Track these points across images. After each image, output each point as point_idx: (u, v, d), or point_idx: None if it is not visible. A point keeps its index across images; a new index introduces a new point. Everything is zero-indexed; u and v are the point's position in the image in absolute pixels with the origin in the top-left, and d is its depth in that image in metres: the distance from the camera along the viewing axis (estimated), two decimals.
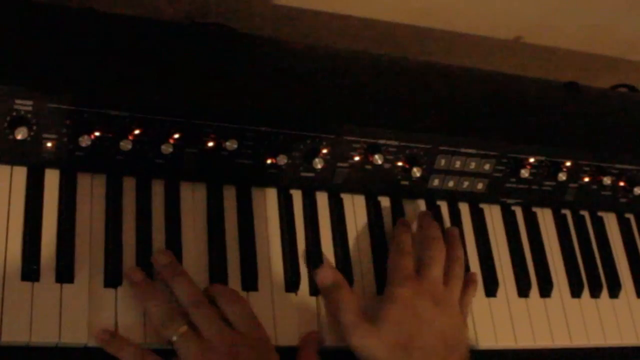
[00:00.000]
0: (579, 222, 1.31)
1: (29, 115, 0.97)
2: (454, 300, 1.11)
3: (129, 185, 1.05)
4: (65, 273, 0.97)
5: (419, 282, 1.09)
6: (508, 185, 1.24)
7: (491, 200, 1.25)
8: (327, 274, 1.08)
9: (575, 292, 1.25)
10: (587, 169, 1.26)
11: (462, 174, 1.20)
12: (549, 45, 1.56)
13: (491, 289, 1.19)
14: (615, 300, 1.27)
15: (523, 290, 1.21)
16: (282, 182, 1.12)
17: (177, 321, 0.97)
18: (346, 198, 1.16)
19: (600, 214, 1.33)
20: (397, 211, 1.18)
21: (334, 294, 1.07)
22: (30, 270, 0.95)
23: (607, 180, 1.27)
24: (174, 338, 0.96)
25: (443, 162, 1.18)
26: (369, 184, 1.16)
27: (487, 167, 1.20)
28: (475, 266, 1.20)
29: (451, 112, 1.22)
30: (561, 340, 1.20)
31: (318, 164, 1.10)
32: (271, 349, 1.00)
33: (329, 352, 1.06)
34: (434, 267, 1.11)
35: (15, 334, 0.92)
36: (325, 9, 1.38)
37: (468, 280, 1.16)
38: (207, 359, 0.95)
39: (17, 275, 0.95)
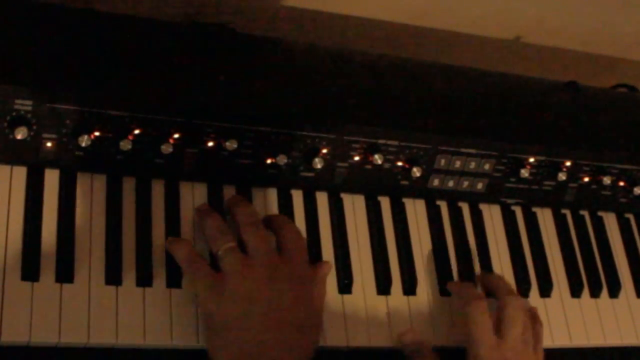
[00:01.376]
0: (579, 222, 1.31)
1: (29, 115, 0.97)
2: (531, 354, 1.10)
3: (129, 185, 1.05)
4: (65, 273, 0.97)
5: (499, 350, 1.07)
6: (508, 185, 1.24)
7: (491, 200, 1.25)
8: (412, 338, 1.10)
9: (575, 292, 1.25)
10: (587, 169, 1.26)
11: (462, 174, 1.20)
12: (549, 45, 1.56)
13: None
14: (615, 300, 1.27)
15: (523, 290, 1.21)
16: (282, 182, 1.12)
17: (227, 236, 1.01)
18: (346, 198, 1.16)
19: (600, 214, 1.33)
20: (397, 211, 1.18)
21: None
22: (30, 270, 0.95)
23: (607, 180, 1.27)
24: (220, 252, 1.00)
25: (443, 162, 1.18)
26: (369, 184, 1.16)
27: (487, 167, 1.20)
28: (474, 266, 1.20)
29: (451, 112, 1.22)
30: (561, 340, 1.20)
31: (318, 164, 1.10)
32: (313, 279, 1.03)
33: (333, 352, 1.07)
34: (515, 329, 1.08)
35: (15, 334, 0.92)
36: (325, 9, 1.38)
37: (534, 317, 1.14)
38: (245, 273, 0.98)
39: (17, 275, 0.95)
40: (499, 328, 1.08)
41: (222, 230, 1.02)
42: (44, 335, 0.94)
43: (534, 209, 1.28)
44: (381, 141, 1.13)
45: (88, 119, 0.99)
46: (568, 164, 1.24)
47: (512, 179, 1.23)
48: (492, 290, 1.15)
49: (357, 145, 1.12)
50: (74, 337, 0.95)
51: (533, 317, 1.13)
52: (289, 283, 0.99)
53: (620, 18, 1.51)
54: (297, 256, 1.03)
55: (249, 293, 0.97)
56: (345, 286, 1.11)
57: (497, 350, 1.06)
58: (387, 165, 1.15)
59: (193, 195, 1.08)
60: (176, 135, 1.03)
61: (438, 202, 1.22)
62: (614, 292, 1.27)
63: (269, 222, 1.06)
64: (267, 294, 0.98)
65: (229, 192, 1.10)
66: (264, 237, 1.02)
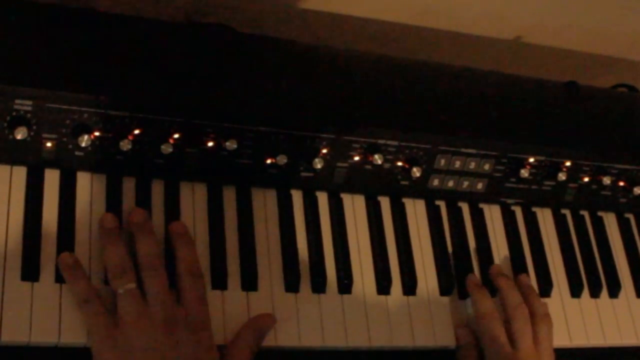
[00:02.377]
0: (579, 222, 1.31)
1: (29, 115, 0.97)
2: None
3: (129, 185, 1.05)
4: None
5: (515, 355, 1.10)
6: (508, 185, 1.24)
7: (491, 200, 1.25)
8: (464, 334, 1.13)
9: (575, 292, 1.25)
10: (587, 169, 1.26)
11: (462, 174, 1.20)
12: (549, 45, 1.56)
13: (491, 289, 1.18)
14: (615, 300, 1.27)
15: None
16: (282, 182, 1.12)
17: (128, 276, 0.96)
18: (346, 198, 1.16)
19: (600, 214, 1.33)
20: (397, 211, 1.18)
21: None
22: (30, 270, 0.95)
23: (607, 180, 1.27)
24: (120, 291, 0.95)
25: (443, 162, 1.18)
26: (369, 184, 1.16)
27: (486, 167, 1.20)
28: (474, 266, 1.20)
29: (451, 112, 1.22)
30: (561, 340, 1.20)
31: (318, 164, 1.10)
32: (209, 334, 0.98)
33: (333, 352, 1.07)
34: (526, 339, 1.12)
35: (15, 334, 0.92)
36: (325, 9, 1.38)
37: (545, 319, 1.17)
38: (141, 323, 0.94)
39: (17, 275, 0.95)
40: (511, 340, 1.12)
41: (123, 267, 0.96)
42: (44, 335, 0.94)
43: (534, 209, 1.28)
44: (381, 141, 1.13)
45: (88, 119, 1.00)
46: (568, 164, 1.24)
47: (512, 179, 1.23)
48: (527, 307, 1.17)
49: (357, 145, 1.12)
50: (73, 337, 0.95)
51: (544, 319, 1.15)
52: (187, 333, 0.96)
53: (620, 18, 1.51)
54: (196, 308, 0.98)
55: (145, 344, 0.93)
56: (345, 286, 1.11)
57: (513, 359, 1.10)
58: (387, 165, 1.15)
59: (193, 195, 1.08)
60: (176, 135, 1.03)
61: (438, 202, 1.22)
62: (614, 292, 1.27)
63: (175, 260, 1.01)
64: (164, 345, 0.94)
65: (229, 192, 1.10)
66: (163, 285, 0.97)
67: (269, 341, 1.03)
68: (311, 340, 1.06)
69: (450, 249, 1.20)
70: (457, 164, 1.19)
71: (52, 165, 1.02)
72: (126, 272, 0.96)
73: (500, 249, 1.23)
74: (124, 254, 0.98)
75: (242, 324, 1.02)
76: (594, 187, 1.29)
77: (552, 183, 1.26)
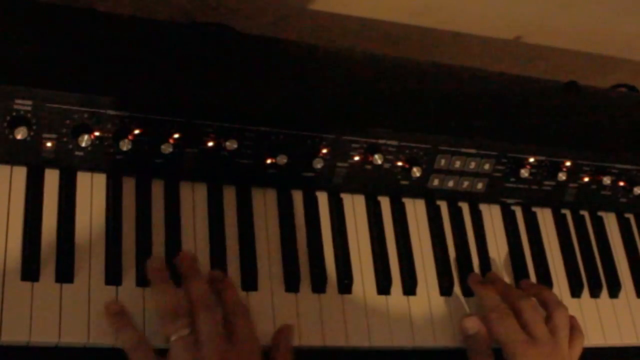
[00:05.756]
0: (579, 222, 1.31)
1: (29, 115, 0.97)
2: (565, 352, 1.12)
3: (129, 185, 1.05)
4: (65, 273, 0.97)
5: (535, 346, 1.09)
6: (508, 185, 1.24)
7: (491, 200, 1.25)
8: (473, 324, 1.12)
9: (575, 292, 1.25)
10: (587, 169, 1.26)
11: (462, 173, 1.20)
12: (549, 45, 1.56)
13: None
14: (615, 300, 1.27)
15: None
16: (282, 182, 1.12)
17: (181, 321, 0.94)
18: (346, 198, 1.16)
19: (600, 214, 1.33)
20: (397, 211, 1.18)
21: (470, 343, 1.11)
22: (30, 270, 0.95)
23: (607, 180, 1.27)
24: (173, 337, 0.94)
25: (443, 162, 1.18)
26: (369, 184, 1.16)
27: (486, 167, 1.20)
28: (474, 266, 1.20)
29: (451, 112, 1.22)
30: None
31: (318, 164, 1.10)
32: None
33: (333, 352, 1.07)
34: (539, 326, 1.11)
35: (15, 334, 0.92)
36: (325, 9, 1.38)
37: (574, 329, 1.15)
38: None
39: (17, 275, 0.95)
40: (526, 330, 1.10)
41: (176, 312, 0.95)
42: (44, 335, 0.94)
43: (534, 209, 1.28)
44: (381, 141, 1.13)
45: (88, 119, 1.00)
46: (568, 164, 1.24)
47: (512, 179, 1.23)
48: (540, 302, 1.16)
49: (357, 145, 1.12)
50: (74, 337, 0.95)
51: (558, 307, 1.15)
52: None
53: (620, 18, 1.51)
54: (247, 344, 0.98)
55: None
56: (345, 286, 1.11)
57: (532, 346, 1.08)
58: (387, 165, 1.15)
59: (193, 195, 1.08)
60: (176, 135, 1.04)
61: (438, 202, 1.22)
62: (614, 292, 1.27)
63: (221, 299, 1.01)
64: None
65: (229, 192, 1.10)
66: (215, 325, 0.96)
67: (269, 341, 1.03)
68: (311, 340, 1.06)
69: (450, 249, 1.20)
70: (457, 164, 1.19)
71: (52, 165, 1.02)
72: (179, 317, 0.95)
73: (500, 249, 1.23)
74: (175, 300, 0.96)
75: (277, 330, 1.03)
76: (594, 187, 1.29)
77: (552, 183, 1.26)
